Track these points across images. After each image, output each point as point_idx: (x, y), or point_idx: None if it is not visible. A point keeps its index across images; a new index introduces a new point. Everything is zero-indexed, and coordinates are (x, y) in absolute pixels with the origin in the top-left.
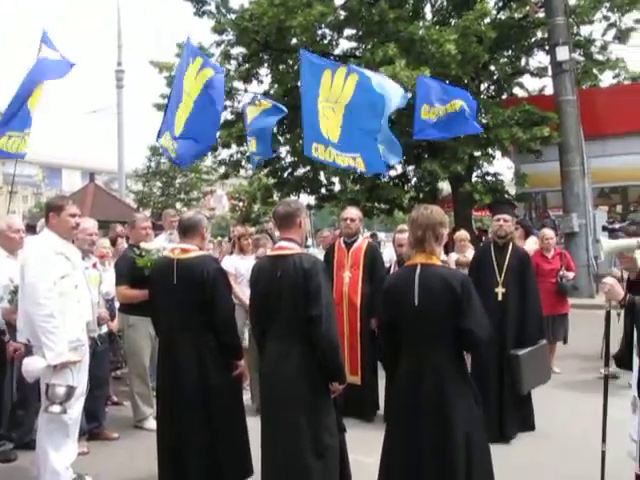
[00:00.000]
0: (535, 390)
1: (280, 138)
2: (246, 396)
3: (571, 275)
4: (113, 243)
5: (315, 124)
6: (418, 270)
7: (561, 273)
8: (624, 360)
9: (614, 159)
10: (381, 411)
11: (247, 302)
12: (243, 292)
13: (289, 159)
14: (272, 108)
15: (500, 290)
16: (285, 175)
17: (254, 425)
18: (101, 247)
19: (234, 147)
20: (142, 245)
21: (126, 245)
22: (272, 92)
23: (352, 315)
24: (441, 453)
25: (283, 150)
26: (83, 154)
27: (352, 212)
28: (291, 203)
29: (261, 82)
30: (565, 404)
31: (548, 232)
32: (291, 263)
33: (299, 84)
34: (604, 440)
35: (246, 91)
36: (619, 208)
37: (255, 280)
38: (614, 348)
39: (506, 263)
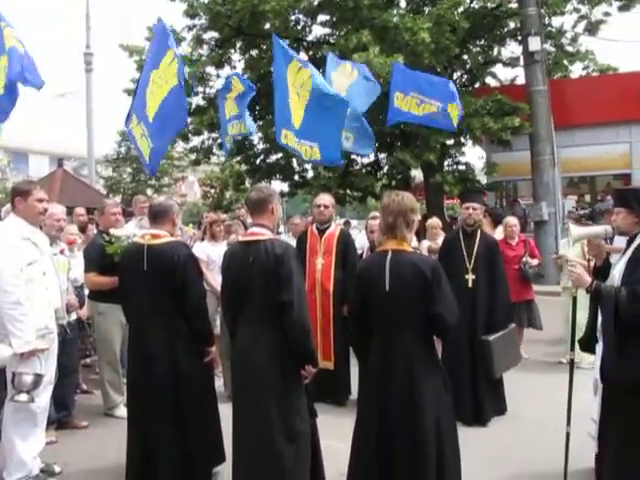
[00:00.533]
0: (504, 374)
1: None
2: (218, 383)
3: (534, 262)
4: (82, 230)
5: (286, 110)
6: (389, 256)
7: (524, 260)
8: (588, 344)
9: (583, 149)
10: (354, 396)
11: (218, 289)
12: (214, 279)
13: (261, 146)
14: (246, 89)
15: (470, 277)
16: (257, 162)
17: (226, 412)
18: (69, 233)
19: (205, 134)
20: (112, 231)
21: (95, 231)
22: (245, 78)
23: (325, 301)
24: (411, 437)
25: (255, 137)
26: (51, 139)
27: (325, 199)
28: (263, 189)
29: (234, 68)
30: (531, 388)
31: (512, 220)
32: (263, 249)
33: (271, 70)
34: (569, 422)
35: (218, 76)
36: (587, 197)
37: (227, 266)
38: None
39: (475, 250)
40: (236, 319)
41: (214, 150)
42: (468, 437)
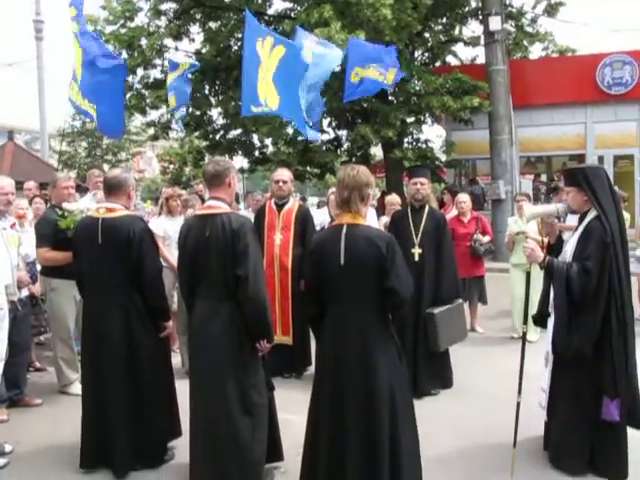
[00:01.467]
0: (455, 349)
1: (212, 99)
2: (176, 359)
3: (486, 239)
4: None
5: (254, 88)
6: (344, 230)
7: (475, 237)
8: (541, 318)
9: (540, 129)
10: (312, 369)
11: (175, 264)
12: (171, 254)
13: (221, 121)
14: (189, 67)
15: (417, 251)
16: (217, 137)
17: (184, 388)
18: (18, 207)
19: (164, 108)
20: (65, 206)
21: (44, 206)
22: (204, 51)
23: (283, 277)
24: (366, 409)
25: (215, 112)
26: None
27: (284, 174)
28: (220, 162)
29: (193, 40)
30: (484, 362)
31: (462, 196)
32: (219, 223)
33: (232, 44)
34: (520, 393)
35: (177, 49)
36: (544, 177)
37: (183, 240)
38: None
39: (422, 225)
40: (193, 293)
41: (173, 125)
42: (422, 408)
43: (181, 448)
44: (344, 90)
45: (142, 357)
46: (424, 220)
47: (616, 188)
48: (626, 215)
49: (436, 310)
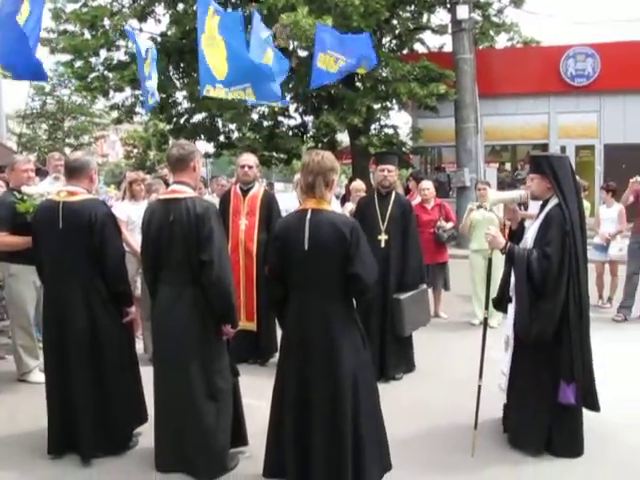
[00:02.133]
0: (418, 334)
1: (177, 82)
2: (139, 345)
3: (449, 225)
4: None
5: (205, 64)
6: (308, 215)
7: (439, 224)
8: (501, 303)
9: (505, 118)
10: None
11: (139, 250)
12: (135, 239)
13: (186, 105)
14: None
15: (383, 237)
16: (182, 121)
17: (148, 374)
18: None
19: (128, 90)
20: (23, 189)
21: (2, 189)
22: (170, 33)
23: (248, 262)
24: (329, 395)
25: (179, 95)
26: None
27: (249, 158)
28: (185, 145)
29: (158, 22)
30: (446, 346)
31: (425, 183)
32: (184, 207)
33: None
34: (481, 376)
35: (141, 30)
36: (508, 165)
37: (147, 224)
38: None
39: (389, 211)
40: (157, 279)
41: (137, 108)
42: (386, 391)
43: (147, 434)
44: (311, 76)
45: (105, 343)
46: (390, 207)
47: (577, 178)
48: (586, 204)
49: (402, 296)
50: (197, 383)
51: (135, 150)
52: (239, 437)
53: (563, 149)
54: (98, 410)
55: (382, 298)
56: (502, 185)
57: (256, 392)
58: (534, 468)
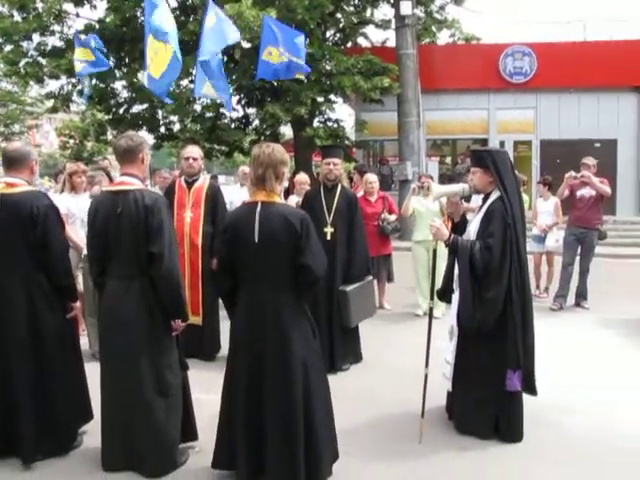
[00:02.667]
0: (364, 325)
1: (116, 72)
2: (82, 341)
3: (392, 218)
4: None
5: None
6: (259, 208)
7: (383, 216)
8: (446, 293)
9: (447, 113)
10: (224, 351)
11: (80, 243)
12: (76, 233)
13: (125, 94)
14: (96, 60)
15: (329, 230)
16: (121, 111)
17: (92, 371)
18: None
19: (64, 79)
20: None
21: None
22: (107, 20)
23: (193, 255)
24: (281, 384)
25: (119, 85)
26: None
27: (194, 151)
28: (133, 137)
29: (94, 7)
30: (391, 337)
31: (370, 176)
32: (132, 199)
33: (138, 14)
34: (427, 365)
35: (78, 16)
36: (449, 159)
37: (93, 216)
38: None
39: (335, 204)
40: (103, 272)
41: (74, 97)
42: (334, 382)
43: (92, 433)
44: (256, 68)
45: (48, 339)
46: (336, 199)
47: (516, 172)
48: (525, 197)
49: (348, 287)
50: (146, 378)
51: (71, 141)
52: (189, 432)
53: (502, 144)
54: (41, 409)
55: (328, 290)
56: (443, 179)
57: (204, 386)
58: (480, 453)
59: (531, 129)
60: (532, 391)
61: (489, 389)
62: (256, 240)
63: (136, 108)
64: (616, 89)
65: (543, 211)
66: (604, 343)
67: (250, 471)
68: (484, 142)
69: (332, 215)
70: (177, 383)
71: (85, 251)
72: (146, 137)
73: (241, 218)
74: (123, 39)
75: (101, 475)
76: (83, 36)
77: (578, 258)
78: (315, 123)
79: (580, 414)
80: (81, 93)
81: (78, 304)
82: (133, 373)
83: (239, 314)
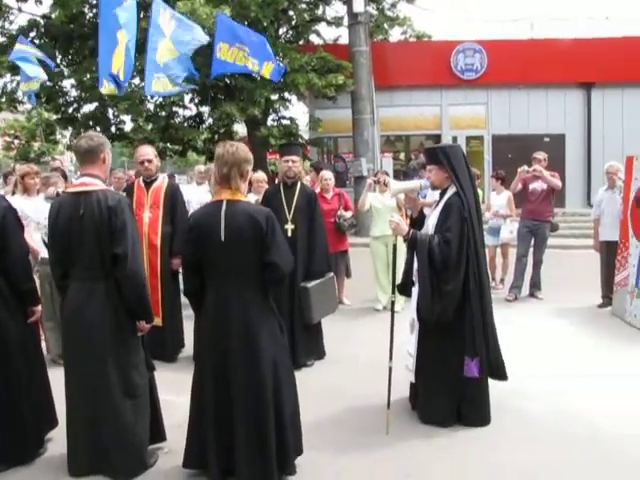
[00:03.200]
0: (325, 321)
1: (65, 70)
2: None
3: (348, 214)
4: None
5: (108, 60)
6: (224, 206)
7: (339, 213)
8: (406, 287)
9: (400, 109)
10: (187, 352)
11: (35, 247)
12: (30, 236)
13: (75, 93)
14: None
15: (289, 227)
16: (70, 111)
17: (53, 377)
18: None
19: (8, 77)
20: None
21: None
22: (53, 16)
23: (152, 256)
24: (250, 380)
25: (67, 83)
26: None
27: (148, 152)
28: (94, 137)
29: (40, 2)
30: (352, 332)
31: (327, 174)
32: (95, 200)
33: (86, 10)
34: (391, 358)
35: (20, 10)
36: (402, 155)
37: (54, 219)
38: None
39: (295, 201)
40: (66, 275)
41: (19, 96)
42: (298, 379)
43: (57, 439)
44: (210, 66)
45: (9, 345)
46: (296, 197)
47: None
48: (478, 192)
49: (309, 284)
50: (113, 380)
51: (17, 141)
52: (157, 433)
53: (454, 139)
54: (5, 417)
55: (290, 287)
56: (397, 174)
57: (171, 387)
58: (447, 439)
59: (483, 124)
60: (502, 377)
61: (450, 378)
62: (222, 238)
63: (86, 107)
64: (564, 85)
65: (496, 204)
66: (558, 332)
67: (221, 470)
68: (437, 138)
69: (292, 212)
70: (144, 384)
71: (42, 255)
72: None
73: (206, 217)
74: (71, 36)
75: None
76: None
77: (532, 250)
78: (269, 122)
79: (537, 400)
80: (29, 97)
81: (39, 308)
82: (100, 375)
83: (206, 313)
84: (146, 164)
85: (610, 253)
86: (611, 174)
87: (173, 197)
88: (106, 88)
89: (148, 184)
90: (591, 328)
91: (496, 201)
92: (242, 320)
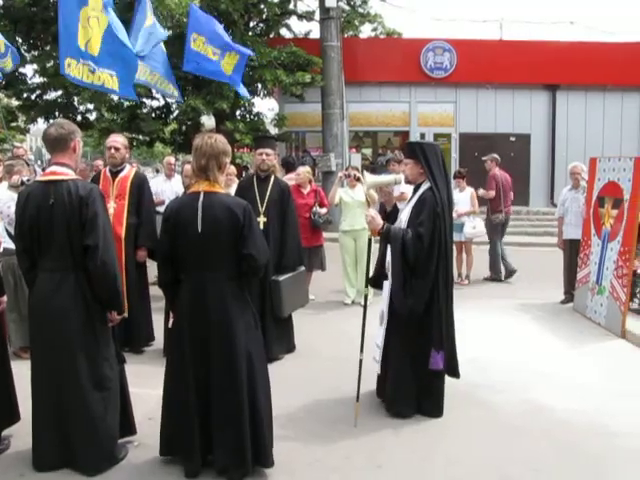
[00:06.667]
0: (295, 314)
1: (26, 55)
2: None
3: (323, 211)
4: None
5: (72, 36)
6: (201, 197)
7: (314, 209)
8: (378, 280)
9: (369, 105)
10: (157, 345)
11: None
12: None
13: (37, 80)
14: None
15: (262, 219)
16: (33, 97)
17: (15, 370)
18: None
19: None
20: None
21: None
22: None
23: (117, 247)
24: (226, 371)
25: (29, 69)
26: None
27: (117, 140)
28: (64, 125)
29: None
30: (321, 325)
31: (303, 169)
32: (65, 189)
33: None
34: (362, 350)
35: None
36: (369, 151)
37: (22, 208)
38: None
39: (268, 194)
40: (34, 265)
41: None
42: (269, 371)
43: (19, 435)
44: (179, 57)
45: None
46: (269, 190)
47: None
48: None
49: (281, 278)
50: (83, 372)
51: None
52: (127, 426)
53: (422, 136)
54: None
55: (261, 280)
56: (364, 170)
57: (139, 380)
58: (415, 431)
59: (450, 122)
60: (454, 374)
61: (413, 369)
62: (199, 229)
63: (50, 94)
64: (530, 86)
65: (460, 201)
66: (521, 327)
67: (199, 457)
68: (405, 134)
69: (265, 205)
70: (114, 376)
71: (5, 245)
72: None
73: (183, 208)
74: (33, 20)
75: (35, 476)
76: None
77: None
78: (237, 116)
79: (501, 393)
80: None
81: (5, 299)
82: (69, 367)
83: (181, 303)
84: (112, 151)
85: (573, 251)
86: (575, 174)
87: (140, 188)
88: (69, 67)
89: (115, 174)
90: (553, 323)
91: (460, 198)
92: (217, 311)
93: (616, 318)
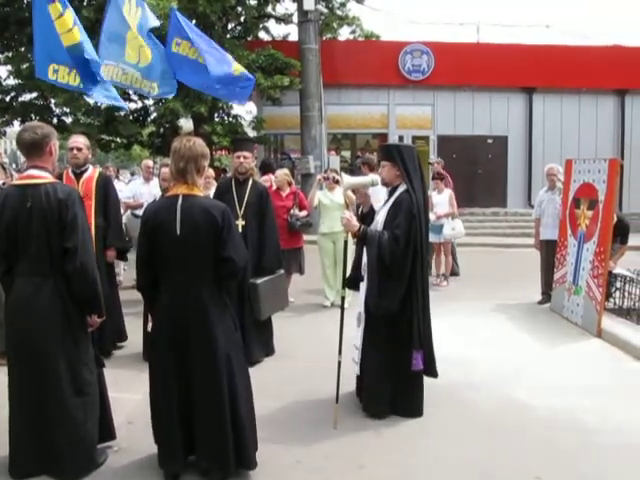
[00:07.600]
0: (274, 317)
1: (0, 56)
2: None
3: (302, 213)
4: None
5: (55, 43)
6: (180, 200)
7: (292, 212)
8: (354, 282)
9: (347, 108)
10: (134, 349)
11: None
12: None
13: (12, 81)
14: None
15: (240, 222)
16: (7, 99)
17: None
18: None
19: None
20: None
21: None
22: None
23: None
24: (206, 374)
25: (3, 70)
26: None
27: (78, 140)
28: (37, 129)
29: None
30: (300, 328)
31: (281, 171)
32: (43, 193)
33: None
34: (340, 352)
35: None
36: (347, 153)
37: (0, 212)
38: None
39: (246, 197)
40: (10, 270)
41: None
42: (250, 374)
43: None
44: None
45: None
46: (248, 192)
47: None
48: None
49: (259, 280)
50: (63, 377)
51: None
52: (106, 431)
53: (400, 139)
54: None
55: (240, 283)
56: (343, 172)
57: (119, 384)
58: (395, 431)
59: (428, 125)
60: (432, 373)
61: (390, 369)
62: (178, 232)
63: (25, 97)
64: (507, 89)
65: (438, 202)
66: (499, 327)
67: (181, 459)
68: (384, 137)
69: (243, 208)
70: (94, 380)
71: None
72: None
73: (161, 210)
74: (7, 21)
75: None
76: None
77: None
78: (215, 119)
79: (480, 392)
80: None
81: None
82: (49, 372)
83: (161, 307)
84: (75, 151)
85: (550, 252)
86: (551, 176)
87: (105, 188)
88: (56, 74)
89: (78, 175)
90: (531, 323)
91: (438, 199)
92: (197, 314)
93: (592, 318)
